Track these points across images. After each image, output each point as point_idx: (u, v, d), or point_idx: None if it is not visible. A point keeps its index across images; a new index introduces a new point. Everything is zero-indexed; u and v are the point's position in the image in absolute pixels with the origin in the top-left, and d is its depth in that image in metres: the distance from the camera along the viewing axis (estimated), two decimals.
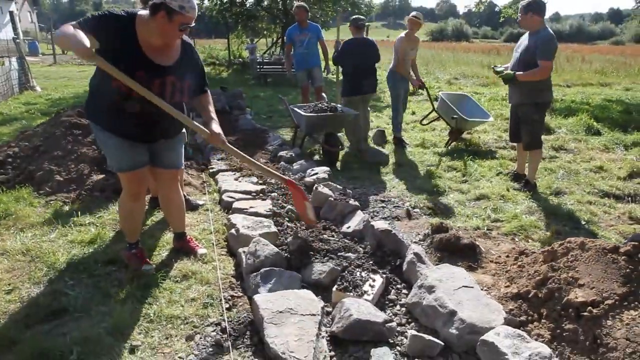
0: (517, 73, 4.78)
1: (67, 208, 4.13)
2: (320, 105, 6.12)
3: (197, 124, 2.85)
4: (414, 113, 9.63)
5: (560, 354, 2.30)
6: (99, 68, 2.65)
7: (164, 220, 3.88)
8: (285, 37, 7.76)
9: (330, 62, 7.70)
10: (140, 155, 2.95)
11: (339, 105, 6.25)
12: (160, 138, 2.99)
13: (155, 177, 3.22)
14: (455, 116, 6.70)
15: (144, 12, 2.64)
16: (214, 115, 2.98)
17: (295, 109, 6.11)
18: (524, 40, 4.91)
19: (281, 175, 3.46)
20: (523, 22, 4.83)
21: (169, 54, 2.75)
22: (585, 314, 2.35)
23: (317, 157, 6.33)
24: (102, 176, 4.57)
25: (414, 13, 6.63)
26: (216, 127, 2.89)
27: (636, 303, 2.29)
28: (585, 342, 2.28)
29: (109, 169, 3.03)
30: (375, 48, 6.42)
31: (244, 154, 3.12)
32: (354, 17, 6.45)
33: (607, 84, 15.27)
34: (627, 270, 2.42)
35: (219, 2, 19.05)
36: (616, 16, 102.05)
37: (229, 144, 2.95)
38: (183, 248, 3.40)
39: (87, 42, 2.33)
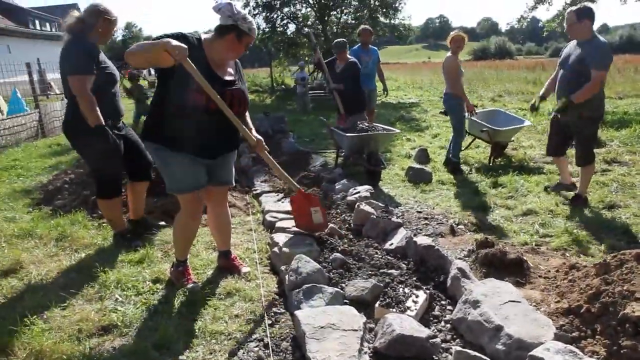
0: (573, 96, 4.43)
1: None
2: (361, 125, 6.10)
3: (248, 132, 3.12)
4: None
5: None
6: (164, 85, 2.87)
7: (208, 240, 3.97)
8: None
9: None
10: (202, 174, 3.07)
11: (380, 125, 6.26)
12: (223, 152, 3.15)
13: (208, 195, 3.30)
14: (484, 129, 6.57)
15: (206, 35, 2.96)
16: (252, 126, 3.27)
17: (337, 130, 6.14)
18: (573, 51, 4.61)
19: (294, 182, 3.77)
20: (576, 30, 4.48)
21: (227, 70, 3.02)
22: None
23: (359, 177, 6.31)
24: (151, 198, 4.74)
25: (455, 30, 6.40)
26: (258, 135, 3.22)
27: None
28: None
29: (169, 192, 3.11)
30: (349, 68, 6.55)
31: (276, 164, 3.46)
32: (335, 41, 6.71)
33: None
34: None
35: (261, 31, 19.66)
36: None
37: (267, 153, 3.27)
38: (227, 266, 3.46)
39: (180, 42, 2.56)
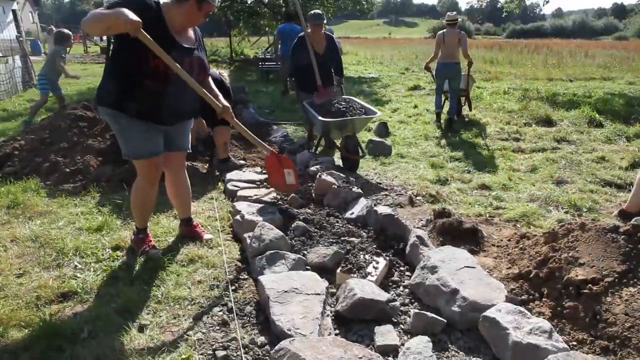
0: None
1: (74, 198, 4.19)
2: (337, 104, 5.26)
3: (213, 98, 3.11)
4: (416, 106, 9.69)
5: (560, 330, 2.35)
6: (121, 52, 2.78)
7: (169, 208, 3.92)
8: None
9: None
10: (160, 140, 3.03)
11: (357, 101, 5.50)
12: (181, 119, 3.13)
13: (165, 162, 3.24)
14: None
15: (166, 0, 2.86)
16: (218, 92, 3.26)
17: (310, 109, 5.38)
18: None
19: (267, 146, 3.79)
20: None
21: (187, 36, 2.96)
22: (585, 291, 2.39)
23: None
24: (108, 167, 4.63)
25: (453, 12, 7.85)
26: (225, 102, 3.20)
27: (635, 280, 2.33)
28: (585, 319, 2.32)
29: (126, 158, 3.04)
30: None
31: (246, 129, 3.48)
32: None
33: (610, 78, 15.25)
34: (627, 249, 2.46)
35: None
36: (620, 11, 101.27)
37: (236, 119, 3.30)
38: (189, 234, 3.45)
39: (134, 15, 2.45)
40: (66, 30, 7.92)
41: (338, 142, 5.70)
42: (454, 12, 7.91)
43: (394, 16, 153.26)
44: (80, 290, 2.76)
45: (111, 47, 2.97)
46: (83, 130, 5.16)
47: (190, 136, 3.33)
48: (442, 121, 7.89)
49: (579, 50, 24.98)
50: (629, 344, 2.07)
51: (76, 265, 3.05)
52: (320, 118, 5.00)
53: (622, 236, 2.54)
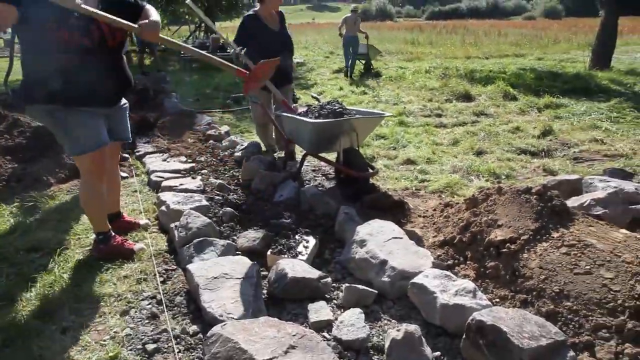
0: None
1: None
2: (325, 106, 3.77)
3: (123, 21, 2.56)
4: (341, 88, 9.79)
5: (484, 289, 2.46)
6: (25, 40, 2.48)
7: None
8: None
9: None
10: (104, 128, 2.77)
11: (359, 109, 4.29)
12: (120, 94, 2.90)
13: None
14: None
15: None
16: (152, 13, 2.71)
17: (287, 114, 3.93)
18: None
19: (226, 63, 3.13)
20: None
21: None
22: (504, 250, 2.51)
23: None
24: (18, 165, 4.31)
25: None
26: (154, 15, 2.66)
27: (547, 235, 2.48)
28: (505, 276, 2.45)
29: (69, 154, 2.75)
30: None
31: (181, 43, 3.20)
32: None
33: (521, 54, 16.20)
34: (539, 208, 2.61)
35: None
36: None
37: (164, 36, 2.82)
38: (123, 227, 3.23)
39: None
40: None
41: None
42: (354, 5, 12.31)
43: (317, 1, 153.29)
44: None
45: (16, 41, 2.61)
46: None
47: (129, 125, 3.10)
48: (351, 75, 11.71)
49: (493, 29, 26.22)
50: (544, 295, 2.20)
51: None
52: (308, 120, 3.59)
53: (534, 196, 2.68)
